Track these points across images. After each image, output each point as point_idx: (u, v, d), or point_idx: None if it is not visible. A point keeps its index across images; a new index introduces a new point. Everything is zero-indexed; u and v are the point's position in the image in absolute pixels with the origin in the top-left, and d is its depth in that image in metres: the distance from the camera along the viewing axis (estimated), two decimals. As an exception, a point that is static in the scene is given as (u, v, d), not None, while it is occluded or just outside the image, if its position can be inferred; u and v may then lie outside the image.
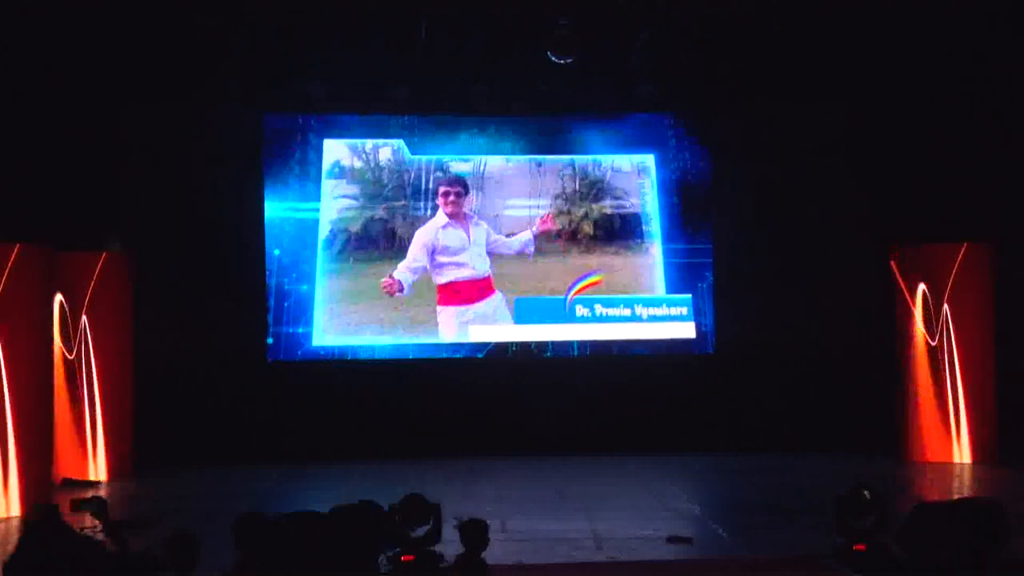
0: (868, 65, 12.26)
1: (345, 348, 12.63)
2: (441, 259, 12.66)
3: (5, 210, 10.90)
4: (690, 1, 11.38)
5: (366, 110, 12.72)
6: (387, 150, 12.77)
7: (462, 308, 12.70)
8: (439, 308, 12.68)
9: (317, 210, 12.64)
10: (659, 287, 12.87)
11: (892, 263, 12.15)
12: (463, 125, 12.85)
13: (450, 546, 6.23)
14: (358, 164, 12.75)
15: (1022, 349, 12.03)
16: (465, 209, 12.77)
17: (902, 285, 12.09)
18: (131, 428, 11.60)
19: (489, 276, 12.75)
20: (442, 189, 12.74)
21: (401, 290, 12.58)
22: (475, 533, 5.99)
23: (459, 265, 12.69)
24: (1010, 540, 5.07)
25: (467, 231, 12.76)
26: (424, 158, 12.79)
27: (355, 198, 12.73)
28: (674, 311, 12.83)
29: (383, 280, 12.56)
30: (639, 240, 12.91)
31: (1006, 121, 12.13)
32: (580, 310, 12.80)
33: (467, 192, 12.81)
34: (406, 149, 12.75)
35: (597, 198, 12.92)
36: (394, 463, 11.64)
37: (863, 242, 12.46)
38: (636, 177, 12.95)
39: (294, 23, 11.46)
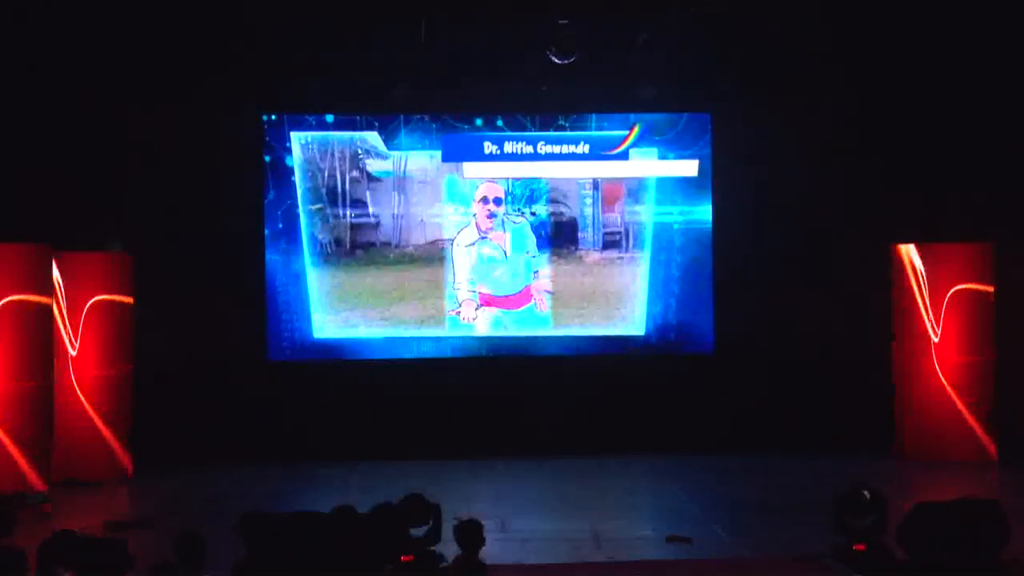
0: (869, 65, 12.27)
1: (345, 348, 12.63)
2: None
3: (5, 210, 10.91)
4: (691, 1, 11.39)
5: (367, 110, 12.70)
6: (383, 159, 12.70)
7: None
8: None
9: (314, 212, 12.64)
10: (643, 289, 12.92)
11: (892, 263, 12.15)
12: (465, 126, 12.82)
13: (450, 546, 6.23)
14: (354, 173, 12.67)
15: (1022, 349, 12.03)
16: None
17: (902, 285, 12.09)
18: (131, 428, 11.59)
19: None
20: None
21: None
22: (470, 533, 5.99)
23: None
24: (1010, 540, 5.07)
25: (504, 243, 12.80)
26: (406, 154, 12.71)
27: (354, 204, 12.67)
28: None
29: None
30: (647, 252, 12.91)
31: (1007, 121, 12.13)
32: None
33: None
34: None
35: (606, 210, 12.87)
36: (394, 463, 11.64)
37: (863, 242, 12.45)
38: (644, 192, 12.93)
39: (295, 22, 11.46)
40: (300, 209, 12.60)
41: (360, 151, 12.67)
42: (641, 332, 12.86)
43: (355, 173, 12.66)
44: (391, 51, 11.87)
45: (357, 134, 12.67)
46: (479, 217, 12.75)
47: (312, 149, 12.65)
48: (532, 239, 12.80)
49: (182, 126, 12.24)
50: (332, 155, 12.66)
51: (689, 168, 12.82)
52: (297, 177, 12.60)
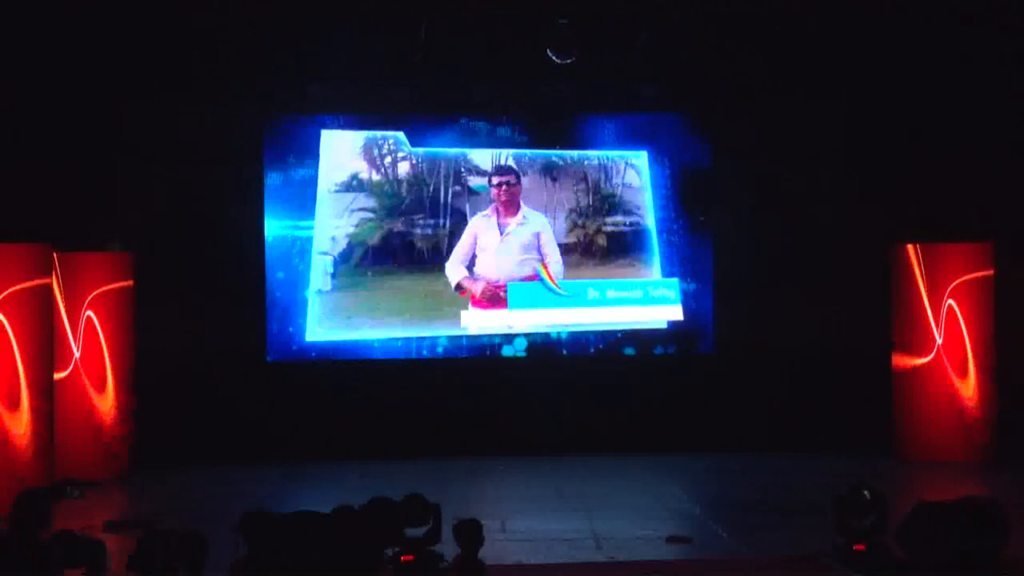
0: (868, 64, 12.27)
1: (345, 348, 12.61)
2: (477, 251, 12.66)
3: (6, 210, 10.91)
4: (691, 0, 11.40)
5: (369, 111, 12.68)
6: (405, 164, 12.68)
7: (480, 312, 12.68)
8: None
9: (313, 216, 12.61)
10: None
11: (891, 263, 12.15)
12: (468, 128, 12.81)
13: (450, 546, 6.23)
14: (376, 177, 12.66)
15: (1022, 349, 12.03)
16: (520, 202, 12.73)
17: (901, 285, 12.09)
18: (131, 428, 11.60)
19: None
20: (495, 179, 12.70)
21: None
22: (469, 533, 5.99)
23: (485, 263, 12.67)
24: (1010, 540, 5.07)
25: (502, 227, 12.68)
26: (439, 163, 12.71)
27: (373, 211, 12.62)
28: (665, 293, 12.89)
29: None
30: (649, 254, 12.93)
31: (1006, 120, 12.13)
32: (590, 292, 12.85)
33: (519, 182, 12.74)
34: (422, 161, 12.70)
35: (609, 212, 12.91)
36: (394, 463, 11.65)
37: (863, 242, 12.46)
38: (645, 192, 12.94)
39: (297, 22, 11.46)
40: (316, 210, 12.55)
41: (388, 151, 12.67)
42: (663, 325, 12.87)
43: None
44: (393, 52, 11.88)
45: (381, 133, 12.64)
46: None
47: (342, 147, 12.61)
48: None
49: (183, 126, 12.25)
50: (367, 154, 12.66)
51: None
52: (321, 176, 12.54)
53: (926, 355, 11.93)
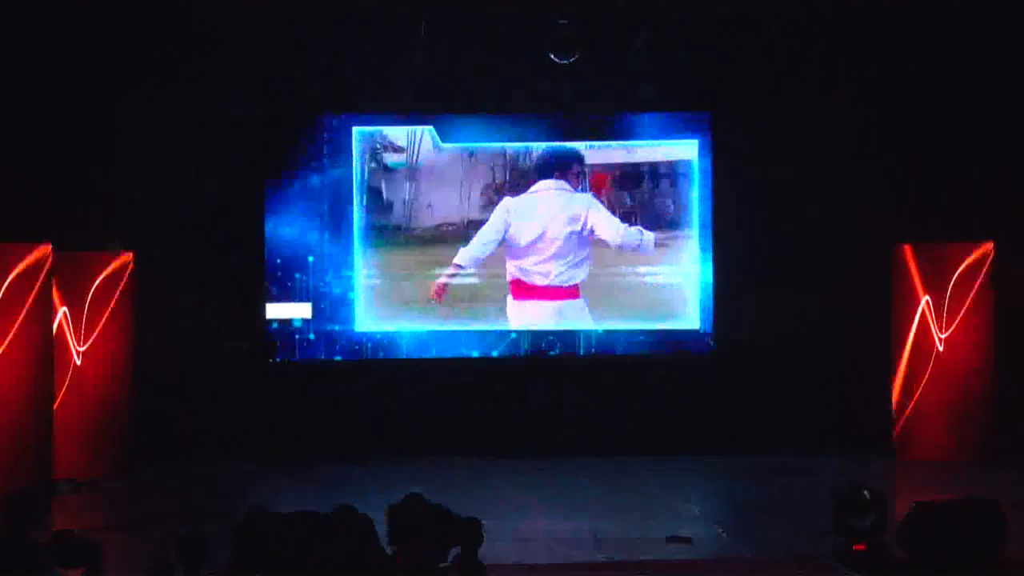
0: (868, 64, 12.28)
1: (346, 346, 12.61)
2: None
3: (6, 210, 10.92)
4: (691, 1, 11.41)
5: (368, 111, 12.69)
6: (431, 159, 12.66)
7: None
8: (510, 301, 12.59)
9: (322, 214, 12.62)
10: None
11: (891, 263, 12.16)
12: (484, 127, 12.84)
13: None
14: (391, 173, 12.61)
15: (1022, 349, 12.03)
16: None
17: (901, 284, 12.09)
18: (130, 427, 11.60)
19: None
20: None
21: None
22: (469, 532, 5.98)
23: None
24: (1010, 540, 5.07)
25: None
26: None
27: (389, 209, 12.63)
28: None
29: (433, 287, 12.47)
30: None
31: (1006, 120, 12.14)
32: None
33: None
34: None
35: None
36: (394, 463, 11.65)
37: (863, 242, 12.46)
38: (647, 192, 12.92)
39: (298, 21, 11.48)
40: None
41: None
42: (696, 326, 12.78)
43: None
44: (393, 52, 11.89)
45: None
46: None
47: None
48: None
49: (183, 126, 12.25)
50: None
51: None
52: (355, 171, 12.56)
53: (926, 355, 11.93)
